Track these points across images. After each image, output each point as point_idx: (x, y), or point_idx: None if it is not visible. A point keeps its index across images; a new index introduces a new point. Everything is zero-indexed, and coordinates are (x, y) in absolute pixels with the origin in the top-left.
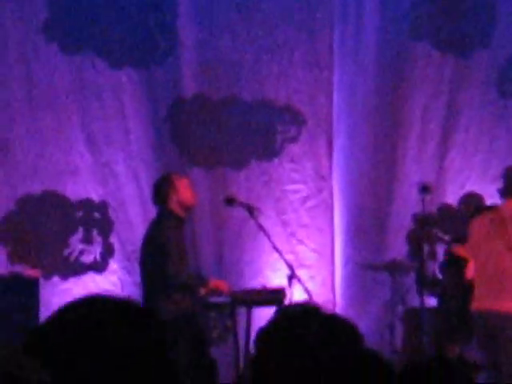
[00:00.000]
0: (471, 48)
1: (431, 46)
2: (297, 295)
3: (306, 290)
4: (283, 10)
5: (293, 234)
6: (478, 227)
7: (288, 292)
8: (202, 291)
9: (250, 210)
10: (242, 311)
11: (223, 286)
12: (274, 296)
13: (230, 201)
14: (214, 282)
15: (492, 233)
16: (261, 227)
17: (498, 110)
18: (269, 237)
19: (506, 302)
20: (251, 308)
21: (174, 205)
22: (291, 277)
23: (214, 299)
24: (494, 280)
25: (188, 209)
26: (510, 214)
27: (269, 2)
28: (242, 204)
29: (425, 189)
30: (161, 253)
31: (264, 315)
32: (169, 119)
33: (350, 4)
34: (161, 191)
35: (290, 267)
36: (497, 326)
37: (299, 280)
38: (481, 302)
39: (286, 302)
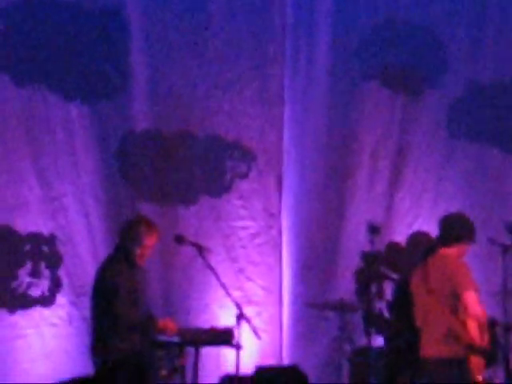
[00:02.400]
0: (421, 88)
1: (381, 85)
2: (245, 335)
3: (254, 330)
4: (235, 47)
5: (241, 271)
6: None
7: (236, 332)
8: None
9: (199, 249)
10: (190, 350)
11: (171, 325)
12: (222, 336)
13: (180, 239)
14: (162, 322)
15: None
16: (209, 266)
17: (447, 151)
18: (217, 276)
19: (427, 348)
20: (199, 348)
21: (132, 247)
22: (239, 316)
23: (163, 338)
24: (422, 325)
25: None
26: (433, 262)
27: (221, 39)
28: (191, 243)
29: (373, 229)
30: (111, 293)
31: (212, 355)
32: (119, 154)
33: (301, 41)
34: (128, 233)
35: (238, 307)
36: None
37: (247, 320)
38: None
39: (234, 342)
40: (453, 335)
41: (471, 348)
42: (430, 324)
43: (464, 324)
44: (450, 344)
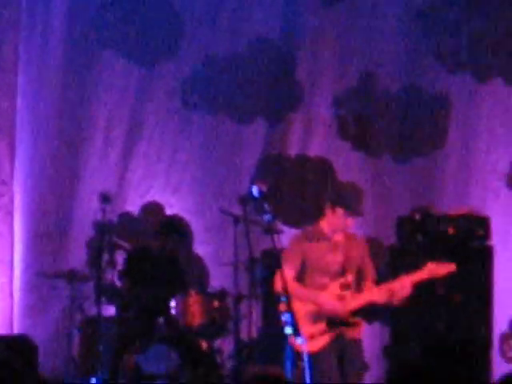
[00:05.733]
0: (156, 58)
1: (116, 54)
2: None
3: None
4: None
5: None
6: None
7: None
8: None
9: None
10: None
11: None
12: None
13: None
14: None
15: None
16: None
17: (182, 121)
18: None
19: None
20: None
21: None
22: None
23: None
24: None
25: None
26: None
27: None
28: None
29: (104, 198)
30: None
31: None
32: None
33: (37, 8)
34: None
35: None
36: None
37: None
38: None
39: None
40: None
41: None
42: None
43: None
44: None
